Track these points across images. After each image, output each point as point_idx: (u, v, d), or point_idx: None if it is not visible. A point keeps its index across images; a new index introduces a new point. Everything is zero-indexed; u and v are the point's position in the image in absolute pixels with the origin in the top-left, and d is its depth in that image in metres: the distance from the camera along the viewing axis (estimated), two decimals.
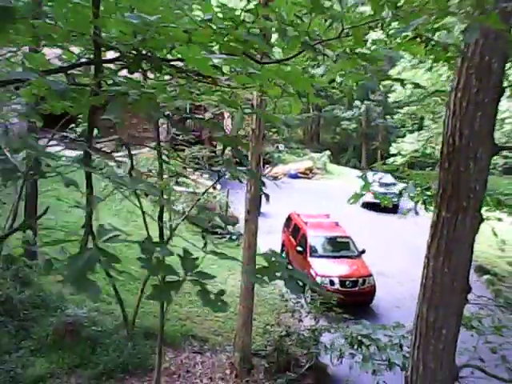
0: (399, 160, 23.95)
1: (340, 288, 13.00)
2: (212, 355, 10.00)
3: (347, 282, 13.37)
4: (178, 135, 14.87)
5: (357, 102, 40.73)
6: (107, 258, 1.53)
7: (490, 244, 15.88)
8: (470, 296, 4.46)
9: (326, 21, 2.83)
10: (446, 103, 4.25)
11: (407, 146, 24.42)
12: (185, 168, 13.80)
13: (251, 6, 2.81)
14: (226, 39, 2.28)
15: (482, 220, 4.30)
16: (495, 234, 8.22)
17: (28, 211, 10.35)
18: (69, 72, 2.63)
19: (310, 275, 13.18)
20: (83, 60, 2.69)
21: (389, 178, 13.91)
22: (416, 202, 6.74)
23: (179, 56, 2.60)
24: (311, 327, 9.69)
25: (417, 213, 7.04)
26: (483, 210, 4.45)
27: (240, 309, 9.90)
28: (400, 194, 6.45)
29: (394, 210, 21.41)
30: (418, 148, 22.84)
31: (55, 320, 9.09)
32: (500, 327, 7.04)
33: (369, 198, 13.10)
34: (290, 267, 2.14)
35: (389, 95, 32.19)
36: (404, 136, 28.33)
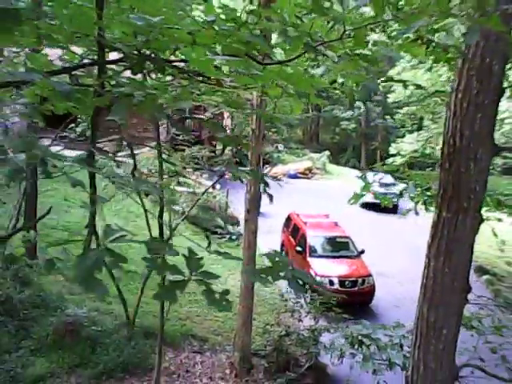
0: (398, 160, 23.94)
1: (339, 288, 13.02)
2: (212, 355, 10.01)
3: (346, 282, 13.39)
4: (178, 135, 14.89)
5: (357, 103, 40.75)
6: (114, 258, 1.55)
7: (489, 244, 15.90)
8: (469, 296, 4.48)
9: (328, 22, 2.84)
10: (447, 104, 4.27)
11: (407, 146, 24.43)
12: (184, 168, 13.81)
13: (251, 6, 2.82)
14: (228, 40, 2.30)
15: (482, 220, 4.32)
16: (495, 235, 8.24)
17: (28, 211, 10.35)
18: (72, 73, 2.64)
19: (310, 275, 13.19)
20: (87, 61, 2.70)
21: (388, 179, 13.92)
22: (416, 203, 6.76)
23: (181, 57, 2.61)
24: (311, 327, 9.71)
25: (417, 213, 7.06)
26: (483, 211, 4.47)
27: (240, 309, 9.91)
28: (401, 195, 6.48)
29: (393, 210, 21.41)
30: (418, 148, 22.84)
31: (55, 320, 9.09)
32: (500, 327, 7.06)
33: (368, 198, 13.11)
34: (292, 267, 2.15)
35: (388, 95, 32.23)
36: (403, 136, 28.34)
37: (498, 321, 7.34)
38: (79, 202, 14.37)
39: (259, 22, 2.49)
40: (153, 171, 13.24)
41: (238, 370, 9.46)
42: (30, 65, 2.67)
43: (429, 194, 6.23)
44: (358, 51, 2.92)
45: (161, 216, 4.63)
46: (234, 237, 17.39)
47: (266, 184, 3.98)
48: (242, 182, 4.75)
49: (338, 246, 15.27)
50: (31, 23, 2.14)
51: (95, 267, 1.46)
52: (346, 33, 2.76)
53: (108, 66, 2.59)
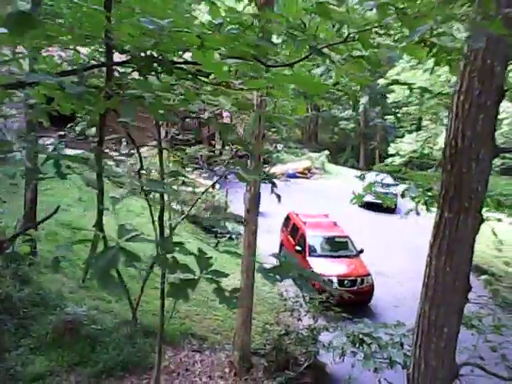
0: (397, 160, 24.04)
1: (338, 287, 13.05)
2: (211, 354, 10.03)
3: (346, 282, 13.44)
4: (178, 135, 14.88)
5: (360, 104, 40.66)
6: (128, 256, 1.58)
7: (487, 244, 15.99)
8: (470, 295, 4.52)
9: (333, 26, 2.87)
10: (448, 106, 4.31)
11: (405, 146, 24.51)
12: (184, 167, 13.83)
13: (253, 8, 2.85)
14: (236, 43, 2.32)
15: (482, 220, 4.36)
16: (495, 235, 8.29)
17: (28, 211, 10.36)
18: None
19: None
20: (95, 62, 2.73)
21: (388, 179, 13.98)
22: (417, 203, 6.80)
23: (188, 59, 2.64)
24: (310, 326, 9.74)
25: (418, 213, 7.10)
26: (483, 211, 4.51)
27: (239, 308, 9.94)
28: (403, 195, 6.52)
29: (392, 210, 21.49)
30: (417, 148, 22.92)
31: (55, 318, 9.09)
32: (500, 326, 7.12)
33: (367, 198, 13.15)
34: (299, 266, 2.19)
35: (387, 95, 32.24)
36: (402, 136, 28.42)
37: (497, 320, 7.40)
38: (78, 201, 14.40)
39: (266, 26, 2.52)
40: (153, 171, 13.23)
41: (238, 368, 9.49)
42: (37, 66, 2.70)
43: (430, 194, 6.27)
44: (361, 53, 2.96)
45: (161, 215, 4.66)
46: (233, 236, 17.41)
47: (274, 184, 4.01)
48: (247, 182, 4.78)
49: (337, 246, 15.32)
50: (42, 26, 2.17)
51: (111, 265, 1.49)
52: (351, 36, 2.79)
53: (115, 67, 2.61)
